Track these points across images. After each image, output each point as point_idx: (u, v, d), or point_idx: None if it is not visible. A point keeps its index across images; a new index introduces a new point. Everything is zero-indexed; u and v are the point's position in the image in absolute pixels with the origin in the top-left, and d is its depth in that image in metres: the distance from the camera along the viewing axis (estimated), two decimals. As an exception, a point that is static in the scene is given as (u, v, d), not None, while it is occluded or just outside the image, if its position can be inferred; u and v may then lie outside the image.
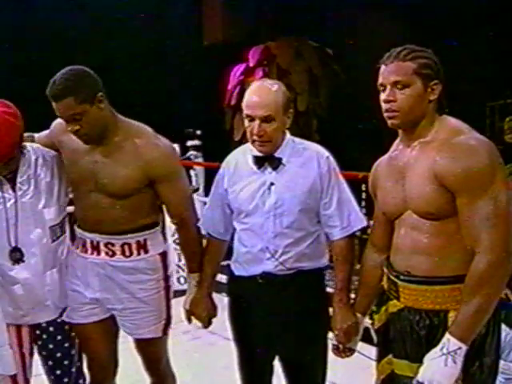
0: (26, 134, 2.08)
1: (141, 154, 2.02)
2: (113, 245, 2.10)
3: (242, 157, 2.09)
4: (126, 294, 2.13)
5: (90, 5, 5.73)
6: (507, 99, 6.34)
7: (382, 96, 1.71)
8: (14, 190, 2.03)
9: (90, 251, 2.13)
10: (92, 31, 5.78)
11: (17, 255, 2.03)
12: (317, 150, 2.07)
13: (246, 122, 2.00)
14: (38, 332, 2.13)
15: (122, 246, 2.10)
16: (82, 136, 1.98)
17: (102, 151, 2.05)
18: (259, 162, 2.03)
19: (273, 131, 1.97)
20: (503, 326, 1.91)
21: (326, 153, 2.06)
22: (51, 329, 2.13)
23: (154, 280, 2.15)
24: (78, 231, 2.17)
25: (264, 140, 1.98)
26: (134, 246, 2.11)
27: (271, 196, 2.01)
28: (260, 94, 1.98)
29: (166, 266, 2.18)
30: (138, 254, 2.12)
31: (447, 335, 1.58)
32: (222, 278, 3.98)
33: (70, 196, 2.22)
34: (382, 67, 1.72)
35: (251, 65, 6.61)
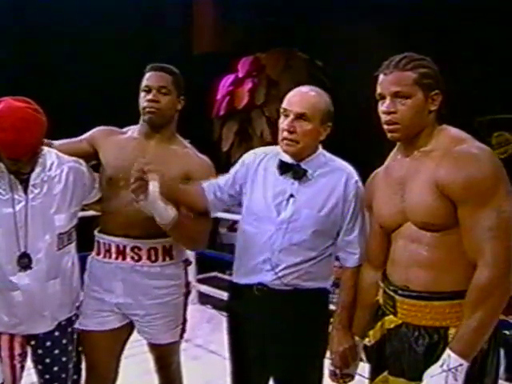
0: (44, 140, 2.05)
1: (185, 158, 2.16)
2: (140, 249, 2.11)
3: (272, 156, 2.01)
4: (149, 299, 2.14)
5: (80, 15, 5.67)
6: (495, 114, 6.36)
7: (382, 107, 1.66)
8: (25, 192, 1.96)
9: (114, 256, 2.13)
10: (81, 39, 5.70)
11: (25, 261, 1.95)
12: (347, 171, 1.97)
13: (281, 119, 1.93)
14: (33, 343, 2.05)
15: (149, 250, 2.12)
16: (154, 108, 2.10)
17: (152, 146, 2.14)
18: (283, 167, 1.96)
19: (304, 132, 1.89)
20: None
21: (355, 176, 1.97)
22: (48, 343, 2.05)
23: (177, 286, 2.18)
24: (102, 237, 2.17)
25: (293, 139, 1.90)
26: (160, 251, 2.13)
27: (288, 208, 1.93)
28: (302, 93, 1.93)
29: (187, 273, 2.23)
30: (164, 259, 2.14)
31: (448, 351, 1.52)
32: (222, 295, 3.93)
33: (85, 202, 2.19)
34: (381, 76, 1.66)
35: (240, 75, 6.62)
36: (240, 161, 2.09)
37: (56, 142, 2.19)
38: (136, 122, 2.23)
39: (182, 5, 6.97)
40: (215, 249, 5.99)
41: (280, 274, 1.93)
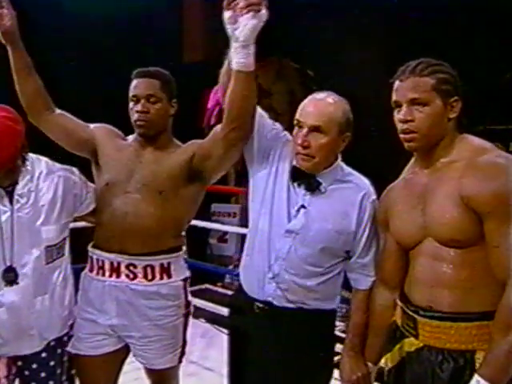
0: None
1: (186, 148, 2.04)
2: (135, 266, 1.97)
3: (290, 159, 1.86)
4: (145, 321, 2.00)
5: (68, 24, 5.55)
6: (487, 125, 6.35)
7: (398, 115, 1.57)
8: (11, 202, 1.85)
9: (108, 273, 1.99)
10: (69, 46, 5.59)
11: (10, 276, 1.83)
12: (365, 189, 1.83)
13: (295, 130, 1.81)
14: (19, 364, 1.92)
15: (145, 268, 1.98)
16: (144, 121, 1.99)
17: (149, 152, 2.03)
18: (295, 176, 1.82)
19: (319, 146, 1.76)
20: None
21: (374, 194, 1.84)
22: (34, 365, 1.92)
23: (175, 306, 2.03)
24: (96, 252, 2.03)
25: (307, 154, 1.77)
26: (157, 269, 1.99)
27: (297, 219, 1.81)
28: (317, 103, 1.79)
29: (186, 293, 2.08)
30: (161, 278, 2.00)
31: (476, 377, 1.42)
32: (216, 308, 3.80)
33: (78, 214, 2.07)
34: (397, 83, 1.58)
35: (231, 84, 6.52)
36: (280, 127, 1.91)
37: (59, 111, 2.07)
38: (125, 133, 2.14)
39: (171, 14, 6.88)
40: (205, 260, 5.88)
41: (282, 286, 1.82)
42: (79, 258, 2.15)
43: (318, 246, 1.79)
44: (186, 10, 7.14)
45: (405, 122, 1.55)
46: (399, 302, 1.65)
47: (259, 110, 1.89)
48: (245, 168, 1.97)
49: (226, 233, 6.40)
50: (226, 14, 1.75)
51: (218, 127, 1.93)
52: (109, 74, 5.98)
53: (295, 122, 1.81)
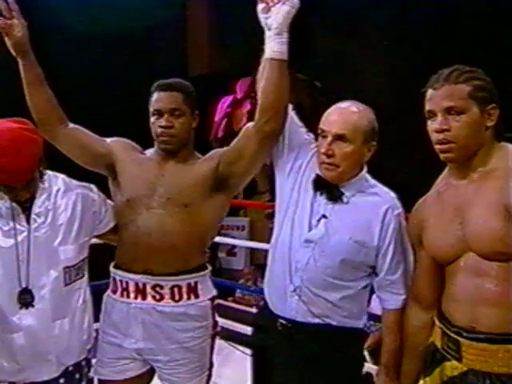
0: None
1: (209, 157, 1.97)
2: (161, 287, 1.89)
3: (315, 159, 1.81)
4: (172, 343, 1.92)
5: (75, 35, 5.52)
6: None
7: (433, 125, 1.50)
8: (28, 221, 1.77)
9: (133, 295, 1.91)
10: (75, 58, 5.56)
11: (27, 298, 1.75)
12: (389, 202, 1.77)
13: (319, 141, 1.77)
14: None
15: (172, 288, 1.90)
16: (169, 136, 1.92)
17: (171, 165, 1.95)
18: (317, 184, 1.78)
19: (344, 155, 1.71)
20: None
21: (399, 208, 1.78)
22: None
23: (203, 327, 1.95)
24: (118, 273, 1.95)
25: (332, 163, 1.72)
26: (184, 290, 1.90)
27: (318, 229, 1.75)
28: (341, 111, 1.76)
29: (214, 313, 2.00)
30: (189, 298, 1.92)
31: None
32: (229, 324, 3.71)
33: (97, 233, 1.99)
34: (430, 92, 1.52)
35: (239, 97, 6.50)
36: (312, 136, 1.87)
37: (73, 125, 2.00)
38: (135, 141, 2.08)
39: (178, 26, 6.87)
40: (214, 274, 5.78)
41: (304, 299, 1.75)
42: (94, 275, 2.06)
43: (337, 257, 1.74)
44: (191, 24, 7.12)
45: (441, 131, 1.48)
46: (437, 322, 1.57)
47: (291, 110, 1.86)
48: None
49: (234, 246, 6.34)
50: (260, 6, 1.77)
51: (249, 124, 1.88)
52: (119, 88, 5.98)
53: (319, 131, 1.77)
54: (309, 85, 6.64)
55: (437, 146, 1.50)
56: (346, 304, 1.77)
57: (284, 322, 1.79)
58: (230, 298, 5.24)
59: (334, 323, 1.77)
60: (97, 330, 2.01)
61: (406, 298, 1.74)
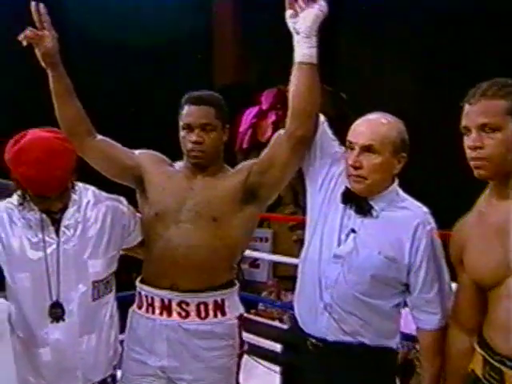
0: None
1: (239, 169, 1.94)
2: (187, 304, 1.85)
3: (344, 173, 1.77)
4: (198, 362, 1.87)
5: (106, 48, 5.58)
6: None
7: (467, 142, 1.45)
8: (57, 234, 1.76)
9: (158, 311, 1.87)
10: (105, 70, 5.62)
11: (57, 312, 1.73)
12: (421, 217, 1.71)
13: (347, 153, 1.72)
14: None
15: (198, 305, 1.85)
16: (200, 151, 1.88)
17: (200, 178, 1.92)
18: (346, 197, 1.73)
19: (372, 167, 1.67)
20: None
21: (431, 223, 1.71)
22: None
23: (230, 346, 1.90)
24: (144, 288, 1.92)
25: (359, 175, 1.67)
26: (210, 307, 1.86)
27: (347, 243, 1.71)
28: (369, 122, 1.71)
29: (241, 331, 1.94)
30: (215, 315, 1.87)
31: None
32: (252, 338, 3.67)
33: (126, 246, 1.97)
34: (466, 107, 1.46)
35: (264, 108, 6.50)
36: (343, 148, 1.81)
37: (101, 137, 1.97)
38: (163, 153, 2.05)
39: (204, 36, 6.90)
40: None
41: (335, 317, 1.71)
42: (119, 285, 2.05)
43: (367, 273, 1.69)
44: (217, 35, 7.15)
45: (473, 148, 1.43)
46: (479, 349, 1.50)
47: (323, 121, 1.83)
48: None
49: (257, 258, 6.30)
50: (288, 12, 1.76)
51: (279, 132, 1.85)
52: (145, 99, 6.02)
53: (347, 143, 1.73)
54: (334, 96, 6.61)
55: (471, 163, 1.46)
56: (378, 322, 1.72)
57: (314, 341, 1.75)
58: (252, 311, 5.19)
59: (367, 341, 1.72)
60: (121, 342, 1.99)
61: (443, 317, 1.68)
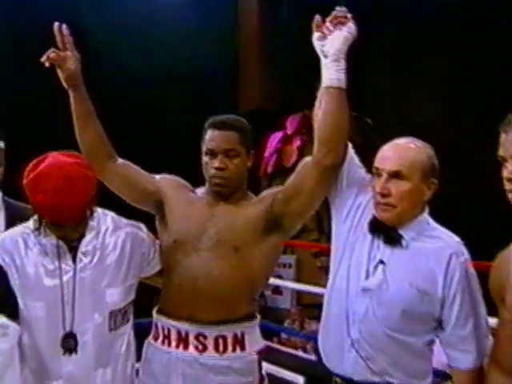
0: None
1: (262, 197, 1.88)
2: (205, 337, 1.77)
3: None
4: None
5: (133, 74, 5.65)
6: None
7: (504, 172, 1.38)
8: (74, 260, 1.70)
9: (174, 344, 1.80)
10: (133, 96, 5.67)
11: (70, 343, 1.66)
12: (454, 247, 1.63)
13: (374, 180, 1.65)
14: None
15: (216, 338, 1.78)
16: (222, 178, 1.82)
17: (222, 205, 1.85)
18: (373, 227, 1.65)
19: (401, 194, 1.59)
20: None
21: (464, 253, 1.63)
22: None
23: (249, 383, 1.81)
24: (161, 319, 1.84)
25: (387, 203, 1.60)
26: (229, 341, 1.78)
27: (376, 276, 1.62)
28: (397, 148, 1.64)
29: (261, 367, 1.85)
30: (234, 350, 1.79)
31: None
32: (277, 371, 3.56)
33: (144, 275, 1.91)
34: (502, 136, 1.39)
35: (289, 133, 6.50)
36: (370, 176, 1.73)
37: (122, 160, 1.92)
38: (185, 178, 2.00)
39: (229, 62, 6.95)
40: (260, 312, 5.66)
41: (363, 355, 1.61)
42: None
43: (397, 307, 1.59)
44: (242, 60, 7.19)
45: (509, 180, 1.36)
46: None
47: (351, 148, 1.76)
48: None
49: (278, 286, 6.20)
50: (315, 35, 1.72)
51: (306, 159, 1.78)
52: (170, 123, 6.05)
53: (373, 169, 1.66)
54: (359, 122, 6.56)
55: (509, 195, 1.38)
56: (408, 361, 1.63)
57: (339, 380, 1.66)
58: (274, 339, 5.07)
59: (395, 382, 1.62)
60: (137, 371, 1.91)
61: (479, 356, 1.58)
